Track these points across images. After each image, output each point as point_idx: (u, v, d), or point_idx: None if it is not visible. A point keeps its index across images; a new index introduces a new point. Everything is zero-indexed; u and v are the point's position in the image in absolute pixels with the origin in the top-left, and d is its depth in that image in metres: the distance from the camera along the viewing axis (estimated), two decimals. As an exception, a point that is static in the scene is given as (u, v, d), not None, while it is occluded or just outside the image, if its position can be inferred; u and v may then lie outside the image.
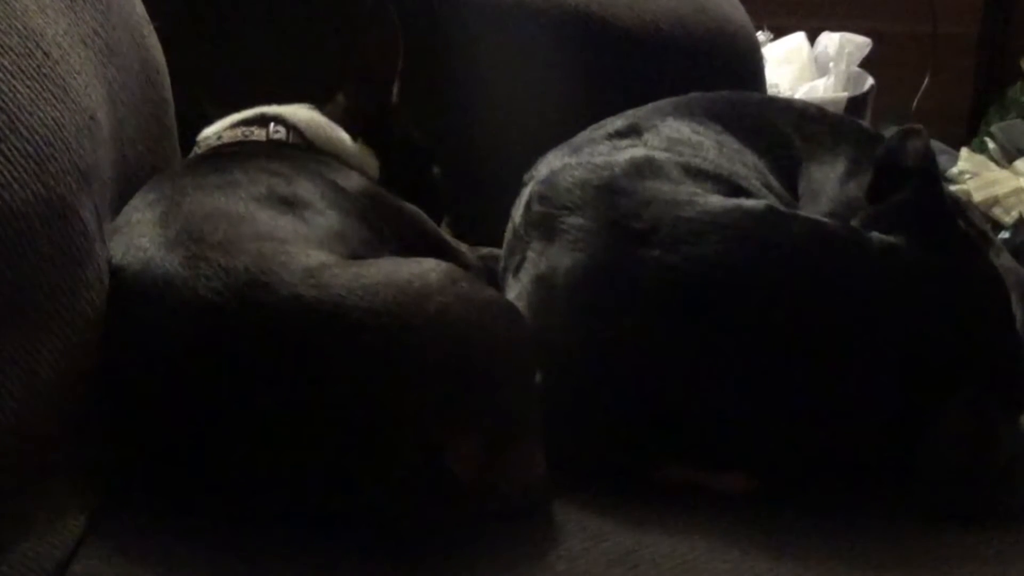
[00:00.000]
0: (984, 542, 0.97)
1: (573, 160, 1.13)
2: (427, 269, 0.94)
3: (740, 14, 1.68)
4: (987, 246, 1.16)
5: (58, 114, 0.91)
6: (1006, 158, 2.45)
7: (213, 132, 1.22)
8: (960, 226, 1.10)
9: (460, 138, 1.47)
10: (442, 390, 0.89)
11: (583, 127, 1.24)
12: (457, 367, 0.90)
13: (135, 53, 1.16)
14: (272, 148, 1.19)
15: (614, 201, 1.05)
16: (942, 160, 2.26)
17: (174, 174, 1.09)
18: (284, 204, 1.02)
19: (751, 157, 1.20)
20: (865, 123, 1.57)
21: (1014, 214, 2.26)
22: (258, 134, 1.20)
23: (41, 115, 0.89)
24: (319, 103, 1.28)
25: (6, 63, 0.87)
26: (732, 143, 1.21)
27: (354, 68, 1.30)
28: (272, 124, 1.21)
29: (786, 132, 1.27)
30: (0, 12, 0.89)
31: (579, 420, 1.01)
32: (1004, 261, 1.19)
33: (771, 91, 2.01)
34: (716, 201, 1.04)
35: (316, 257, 0.93)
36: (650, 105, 1.27)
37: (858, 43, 2.31)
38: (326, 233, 1.00)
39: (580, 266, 1.04)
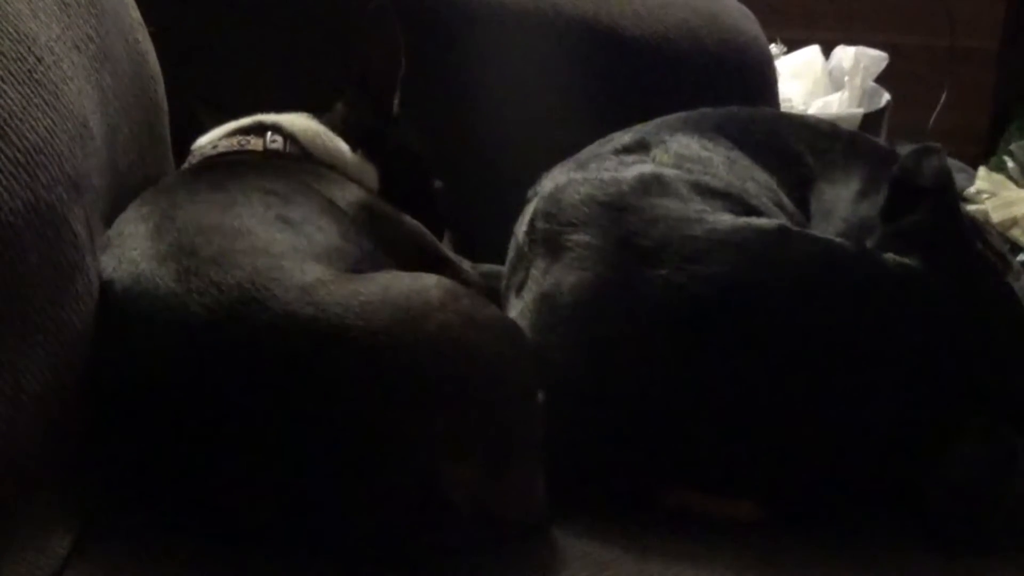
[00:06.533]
0: (997, 572, 0.96)
1: (579, 176, 1.11)
2: (427, 286, 0.92)
3: (753, 26, 1.66)
4: (1005, 268, 1.14)
5: (50, 121, 0.90)
6: (1026, 178, 2.44)
7: (208, 141, 1.21)
8: (977, 248, 1.09)
9: (463, 150, 1.46)
10: (440, 412, 0.87)
11: (589, 141, 1.23)
12: (456, 388, 0.88)
13: (129, 59, 1.15)
14: (268, 158, 1.17)
15: (621, 218, 1.04)
16: (959, 179, 2.24)
17: (168, 186, 1.08)
18: (280, 217, 1.00)
19: (762, 174, 1.19)
20: (880, 140, 1.55)
21: (1033, 235, 2.25)
22: (254, 143, 1.19)
23: (32, 122, 0.88)
24: (318, 112, 1.26)
25: (-3, 68, 0.86)
26: (743, 160, 1.20)
27: (354, 76, 1.28)
28: (269, 133, 1.20)
29: (798, 149, 1.26)
30: (-8, 16, 0.88)
31: (582, 443, 1.00)
32: (1023, 284, 1.17)
33: (784, 106, 1.99)
34: (726, 220, 1.03)
35: (312, 273, 0.91)
36: (658, 120, 1.26)
37: (874, 57, 2.30)
38: (322, 248, 0.98)
39: (585, 284, 1.02)
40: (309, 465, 0.86)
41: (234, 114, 1.23)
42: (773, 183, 1.19)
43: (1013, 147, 2.49)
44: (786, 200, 1.18)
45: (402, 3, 1.27)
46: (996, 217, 2.29)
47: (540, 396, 0.95)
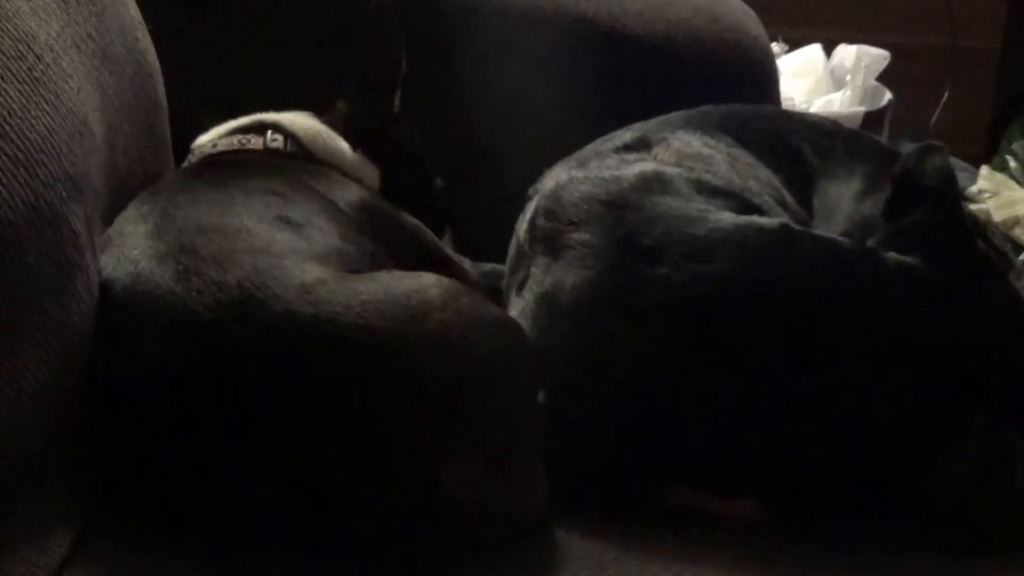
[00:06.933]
0: (999, 573, 0.95)
1: (580, 174, 1.11)
2: (427, 285, 0.92)
3: (754, 25, 1.66)
4: (1007, 268, 1.14)
5: (49, 119, 0.90)
6: (1028, 177, 2.43)
7: (208, 140, 1.20)
8: (979, 247, 1.08)
9: (464, 149, 1.45)
10: (441, 411, 0.87)
11: (591, 139, 1.22)
12: (456, 387, 0.88)
13: (129, 57, 1.14)
14: (269, 157, 1.17)
15: (622, 217, 1.04)
16: (961, 178, 2.23)
17: (168, 185, 1.08)
18: (280, 218, 1.00)
19: (764, 172, 1.19)
20: (882, 139, 1.55)
21: (1035, 235, 2.24)
22: (255, 142, 1.18)
23: (32, 120, 0.88)
24: (318, 111, 1.26)
25: (-4, 66, 0.85)
26: (745, 157, 1.19)
27: (355, 75, 1.28)
28: (269, 132, 1.19)
29: (800, 147, 1.25)
30: (-9, 14, 0.88)
31: (582, 442, 0.99)
32: (1025, 283, 1.17)
33: (786, 104, 1.98)
34: (727, 218, 1.02)
35: (312, 272, 0.91)
36: (660, 118, 1.25)
37: (876, 56, 2.29)
38: (323, 248, 0.98)
39: (586, 284, 1.02)
40: (309, 464, 0.86)
41: (234, 113, 1.23)
42: (776, 180, 1.19)
43: (1015, 146, 2.49)
44: (789, 197, 1.18)
45: (403, 2, 1.27)
46: (998, 216, 2.28)
47: (540, 395, 0.95)
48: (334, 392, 0.85)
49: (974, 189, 2.39)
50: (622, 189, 1.06)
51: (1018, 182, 2.41)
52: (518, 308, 1.07)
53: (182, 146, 1.23)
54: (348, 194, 1.12)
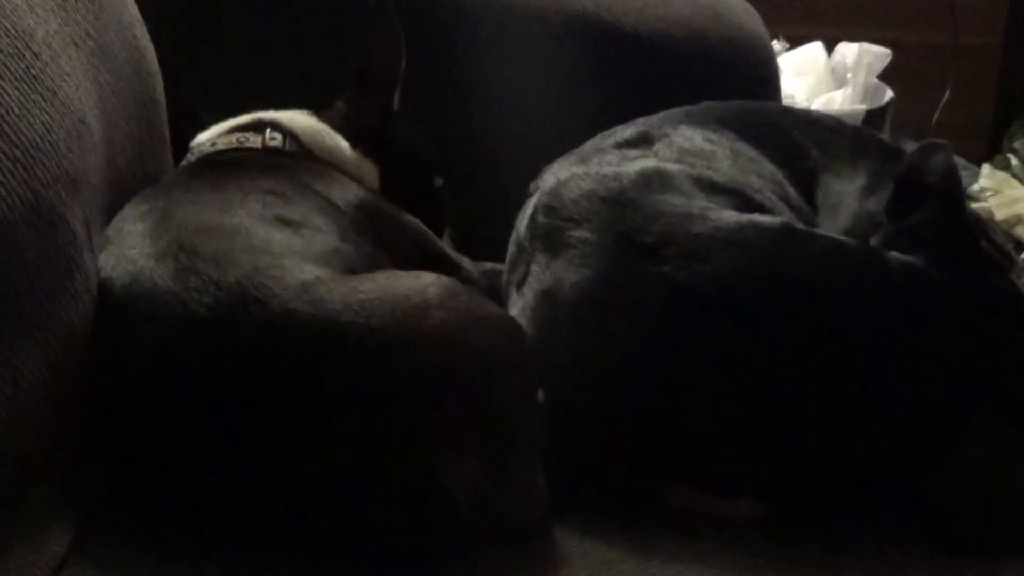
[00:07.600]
0: (1001, 573, 0.95)
1: (580, 170, 1.10)
2: (426, 283, 0.92)
3: (755, 22, 1.66)
4: (1009, 267, 1.13)
5: (47, 117, 0.90)
6: (1029, 176, 2.43)
7: (207, 138, 1.20)
8: (982, 246, 1.08)
9: (463, 147, 1.45)
10: (439, 410, 0.87)
11: (591, 136, 1.22)
12: (455, 385, 0.88)
13: (127, 55, 1.14)
14: (268, 156, 1.16)
15: (622, 214, 1.03)
16: (963, 176, 2.24)
17: (166, 184, 1.08)
18: (278, 218, 0.99)
19: (768, 167, 1.19)
20: (884, 136, 1.54)
21: (1037, 234, 2.24)
22: (254, 141, 1.18)
23: (30, 118, 0.88)
24: (318, 109, 1.25)
25: (-6, 64, 0.85)
26: (748, 152, 1.19)
27: (355, 73, 1.27)
28: (268, 130, 1.19)
29: (803, 143, 1.25)
30: (-11, 11, 0.88)
31: (582, 441, 0.99)
32: (1027, 282, 1.17)
33: (787, 102, 1.97)
34: (729, 216, 1.02)
35: (311, 272, 0.91)
36: (661, 113, 1.25)
37: (877, 54, 2.29)
38: (322, 247, 0.98)
39: (586, 281, 1.02)
40: (308, 463, 0.85)
41: (233, 111, 1.23)
42: (779, 176, 1.18)
43: (1017, 144, 2.49)
44: (792, 193, 1.18)
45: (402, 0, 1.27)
46: (1000, 215, 2.28)
47: (540, 394, 0.94)
48: (333, 391, 0.85)
49: (976, 187, 2.39)
50: (623, 186, 1.06)
51: (1020, 180, 2.42)
52: (518, 306, 1.07)
53: (181, 145, 1.23)
54: (347, 193, 1.12)
